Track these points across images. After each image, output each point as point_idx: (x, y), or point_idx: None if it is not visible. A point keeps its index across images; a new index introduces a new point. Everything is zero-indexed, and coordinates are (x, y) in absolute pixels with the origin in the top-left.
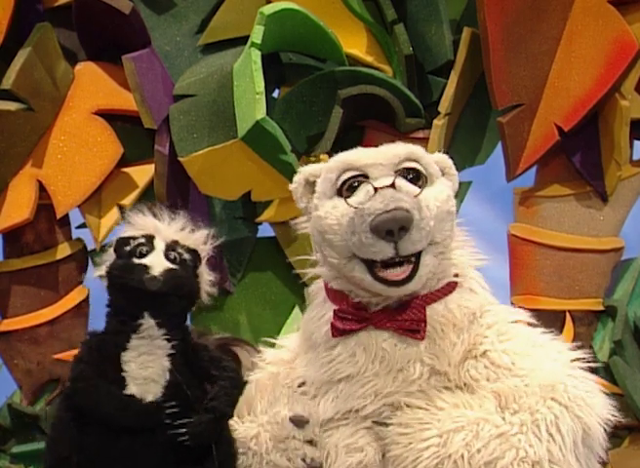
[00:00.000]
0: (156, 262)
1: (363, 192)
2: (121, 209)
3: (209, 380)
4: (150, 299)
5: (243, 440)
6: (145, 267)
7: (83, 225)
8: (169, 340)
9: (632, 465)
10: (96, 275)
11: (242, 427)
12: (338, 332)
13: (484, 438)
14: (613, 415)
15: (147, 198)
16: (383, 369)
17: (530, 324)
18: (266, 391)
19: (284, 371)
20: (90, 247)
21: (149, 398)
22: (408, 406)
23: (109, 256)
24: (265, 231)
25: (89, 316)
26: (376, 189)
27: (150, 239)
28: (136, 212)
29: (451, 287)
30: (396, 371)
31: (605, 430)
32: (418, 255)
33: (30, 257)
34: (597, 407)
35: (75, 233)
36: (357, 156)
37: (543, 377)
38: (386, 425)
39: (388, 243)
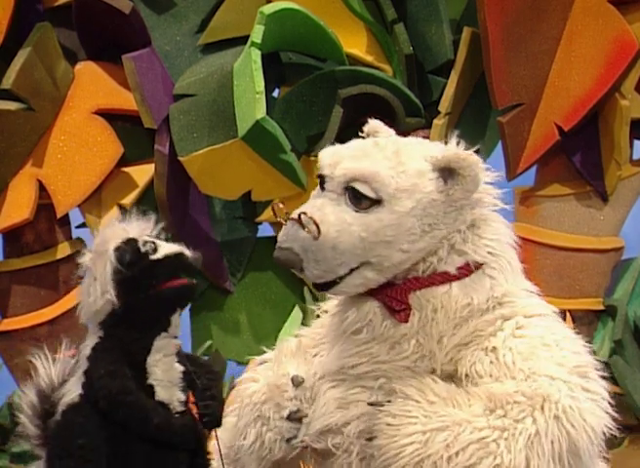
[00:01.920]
0: (173, 247)
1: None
2: (121, 208)
3: (186, 376)
4: (189, 289)
5: (247, 399)
6: (182, 254)
7: (83, 225)
8: (176, 337)
9: (632, 465)
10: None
11: (254, 386)
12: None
13: (463, 441)
14: (609, 429)
15: (147, 198)
16: (378, 336)
17: (550, 317)
18: (292, 353)
19: (326, 320)
20: (90, 246)
21: (175, 402)
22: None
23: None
24: (265, 231)
25: None
26: (287, 219)
27: (134, 240)
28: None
29: (450, 276)
30: (392, 343)
31: (594, 442)
32: (351, 271)
33: (30, 257)
34: (589, 419)
35: (75, 233)
36: (323, 160)
37: (539, 384)
38: (381, 406)
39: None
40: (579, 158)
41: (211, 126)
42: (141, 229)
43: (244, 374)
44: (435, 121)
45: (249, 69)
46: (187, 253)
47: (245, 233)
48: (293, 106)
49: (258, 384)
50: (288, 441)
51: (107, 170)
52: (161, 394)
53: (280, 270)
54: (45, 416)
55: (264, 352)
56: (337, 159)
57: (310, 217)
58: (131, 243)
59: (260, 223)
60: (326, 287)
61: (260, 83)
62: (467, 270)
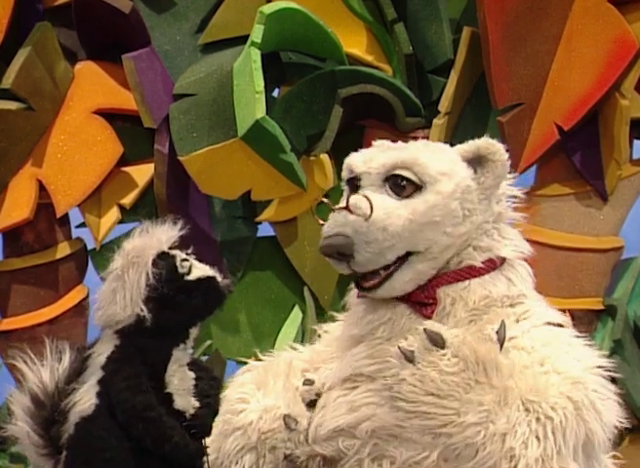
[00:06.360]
0: (206, 270)
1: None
2: (121, 208)
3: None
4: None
5: (239, 423)
6: (215, 279)
7: (83, 225)
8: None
9: (633, 465)
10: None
11: (251, 406)
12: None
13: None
14: (620, 423)
15: (147, 198)
16: (396, 333)
17: (563, 326)
18: (281, 375)
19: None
20: (90, 246)
21: (191, 410)
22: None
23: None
24: (265, 231)
25: (89, 315)
26: (333, 210)
27: (171, 256)
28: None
29: (475, 271)
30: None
31: (608, 437)
32: (399, 262)
33: (30, 257)
34: (606, 413)
35: (75, 232)
36: (354, 161)
37: (564, 368)
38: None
39: (340, 262)
40: (578, 158)
41: (211, 126)
42: (169, 237)
43: (231, 384)
44: (435, 121)
45: (249, 69)
46: (219, 278)
47: (245, 233)
48: (293, 106)
49: (248, 410)
50: (289, 459)
51: (107, 169)
52: (179, 402)
53: (280, 270)
54: (47, 424)
55: (264, 352)
56: (370, 156)
57: (365, 196)
58: (167, 259)
59: (260, 223)
60: (370, 289)
61: (259, 83)
62: (492, 264)
